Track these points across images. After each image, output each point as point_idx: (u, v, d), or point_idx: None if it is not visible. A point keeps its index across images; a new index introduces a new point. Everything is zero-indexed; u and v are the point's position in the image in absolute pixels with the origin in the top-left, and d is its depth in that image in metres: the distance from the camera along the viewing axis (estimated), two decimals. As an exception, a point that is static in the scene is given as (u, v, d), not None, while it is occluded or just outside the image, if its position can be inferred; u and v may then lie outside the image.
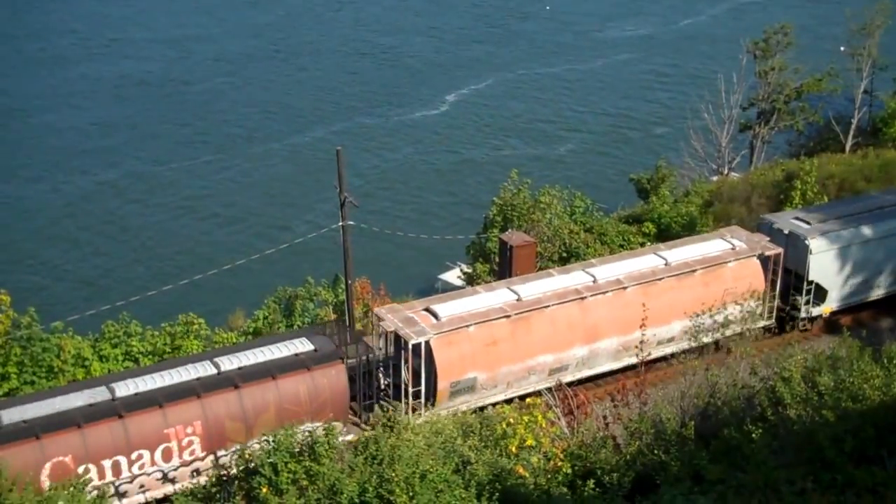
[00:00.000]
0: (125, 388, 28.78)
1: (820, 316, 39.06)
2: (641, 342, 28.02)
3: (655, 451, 20.50)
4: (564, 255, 44.21)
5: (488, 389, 33.14)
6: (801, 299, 38.25)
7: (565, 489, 19.79)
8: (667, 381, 32.62)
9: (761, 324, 36.82)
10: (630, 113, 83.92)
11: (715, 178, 58.82)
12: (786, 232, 38.37)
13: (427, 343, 31.83)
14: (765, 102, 61.82)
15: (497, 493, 18.72)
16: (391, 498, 17.98)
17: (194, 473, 28.65)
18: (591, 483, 19.34)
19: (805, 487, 17.97)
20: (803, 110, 62.40)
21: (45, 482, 26.48)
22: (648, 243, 45.13)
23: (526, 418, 22.21)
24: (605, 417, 24.10)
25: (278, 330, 39.47)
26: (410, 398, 32.00)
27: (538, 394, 31.77)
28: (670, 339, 35.25)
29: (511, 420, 22.22)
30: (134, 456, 28.15)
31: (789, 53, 61.15)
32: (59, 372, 34.75)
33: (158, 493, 28.65)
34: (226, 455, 24.93)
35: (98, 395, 28.56)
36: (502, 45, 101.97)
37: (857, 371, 21.60)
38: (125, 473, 28.12)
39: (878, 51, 62.71)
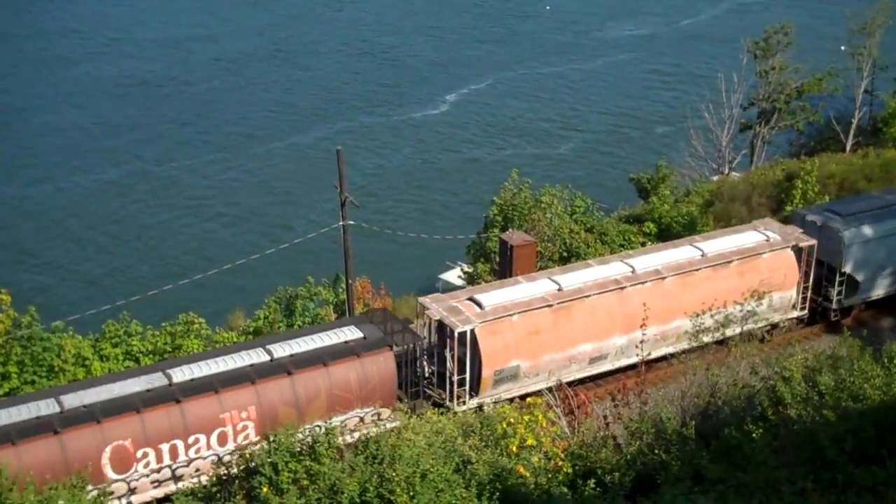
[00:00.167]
0: (181, 374, 29.29)
1: (851, 307, 39.52)
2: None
3: (656, 451, 20.50)
4: (565, 254, 44.21)
5: (530, 377, 33.68)
6: (834, 291, 38.69)
7: (566, 489, 19.78)
8: (667, 381, 32.73)
9: (795, 314, 38.17)
10: (630, 112, 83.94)
11: (715, 178, 58.82)
12: (819, 224, 38.82)
13: (472, 332, 32.47)
14: (765, 102, 61.82)
15: (497, 493, 18.70)
16: (392, 497, 17.98)
17: None
18: (591, 483, 19.33)
19: (805, 487, 17.96)
20: (804, 110, 62.37)
21: (106, 465, 27.37)
22: (649, 243, 45.19)
23: (526, 418, 22.20)
24: (605, 417, 24.10)
25: (279, 329, 39.47)
26: (455, 386, 32.65)
27: (580, 382, 33.17)
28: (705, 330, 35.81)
29: (511, 420, 22.22)
30: (191, 440, 28.67)
31: (790, 53, 61.14)
32: (59, 371, 34.77)
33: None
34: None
35: (155, 380, 29.06)
36: (503, 44, 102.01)
37: (858, 371, 21.59)
38: (182, 457, 28.60)
39: (879, 50, 62.69)
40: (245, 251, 49.69)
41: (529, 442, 21.46)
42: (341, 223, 36.49)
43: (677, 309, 34.04)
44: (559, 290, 34.24)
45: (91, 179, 72.04)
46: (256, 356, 30.28)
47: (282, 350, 30.59)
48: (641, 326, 29.53)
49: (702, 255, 36.64)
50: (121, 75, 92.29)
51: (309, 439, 20.47)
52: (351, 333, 31.61)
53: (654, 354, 35.08)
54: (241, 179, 73.20)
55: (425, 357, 33.56)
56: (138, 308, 39.05)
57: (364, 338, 31.50)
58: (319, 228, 46.02)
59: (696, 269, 36.12)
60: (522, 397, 30.37)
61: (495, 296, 33.70)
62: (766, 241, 37.84)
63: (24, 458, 25.89)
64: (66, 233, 65.09)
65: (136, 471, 28.02)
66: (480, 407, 32.46)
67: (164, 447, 28.27)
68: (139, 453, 27.91)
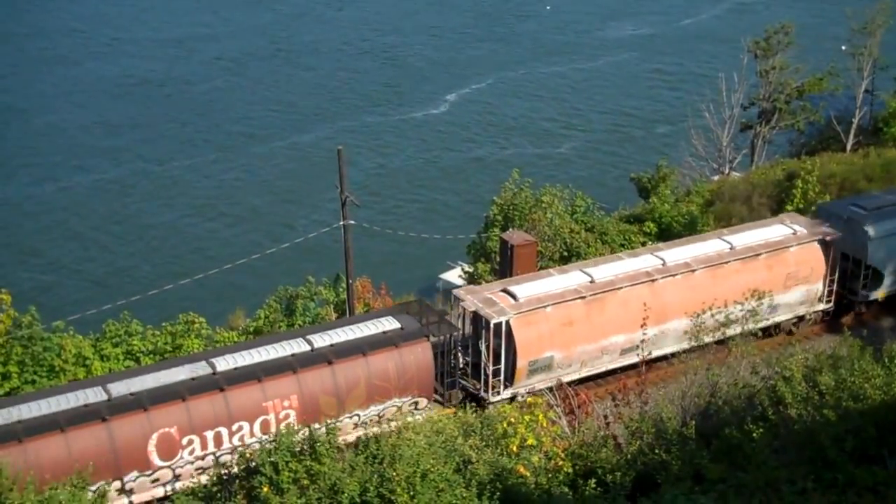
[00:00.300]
0: (225, 363, 29.60)
1: (876, 300, 39.81)
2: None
3: (656, 451, 20.51)
4: (565, 254, 44.16)
5: (563, 368, 34.03)
6: (859, 283, 39.09)
7: (566, 488, 19.79)
8: (668, 381, 32.75)
9: (821, 307, 38.77)
10: (631, 112, 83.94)
11: (716, 178, 58.80)
12: (844, 218, 39.19)
13: (507, 323, 32.81)
14: (766, 102, 61.81)
15: (498, 493, 18.72)
16: (392, 497, 17.98)
17: None
18: (592, 482, 19.34)
19: (806, 487, 17.98)
20: (804, 110, 62.36)
21: (152, 452, 27.85)
22: (649, 243, 45.16)
23: (527, 417, 22.22)
24: (606, 417, 24.15)
25: (279, 329, 39.48)
26: (491, 376, 32.99)
27: (612, 373, 33.79)
28: (736, 321, 36.01)
29: (512, 419, 22.23)
30: (234, 427, 28.95)
31: (790, 53, 61.14)
32: (59, 371, 34.79)
33: None
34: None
35: (200, 369, 29.37)
36: (504, 43, 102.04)
37: (858, 370, 21.62)
38: (226, 444, 28.84)
39: (880, 50, 62.68)
40: (246, 250, 49.74)
41: (530, 442, 21.47)
42: (342, 223, 36.52)
43: (707, 301, 33.90)
44: (591, 282, 34.72)
45: (92, 179, 72.06)
46: (297, 346, 30.68)
47: (322, 340, 30.94)
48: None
49: (730, 249, 37.11)
50: (122, 75, 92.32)
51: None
52: (389, 324, 31.96)
53: (683, 346, 35.27)
54: (242, 179, 73.21)
55: (460, 348, 33.91)
56: (139, 308, 39.07)
57: (402, 328, 31.83)
58: (320, 228, 46.06)
59: (726, 262, 36.57)
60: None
61: (529, 287, 34.10)
62: (794, 234, 38.28)
63: (72, 446, 26.45)
64: (67, 232, 65.10)
65: (181, 457, 28.37)
66: (514, 397, 32.98)
67: (209, 434, 28.64)
68: (185, 440, 28.29)
